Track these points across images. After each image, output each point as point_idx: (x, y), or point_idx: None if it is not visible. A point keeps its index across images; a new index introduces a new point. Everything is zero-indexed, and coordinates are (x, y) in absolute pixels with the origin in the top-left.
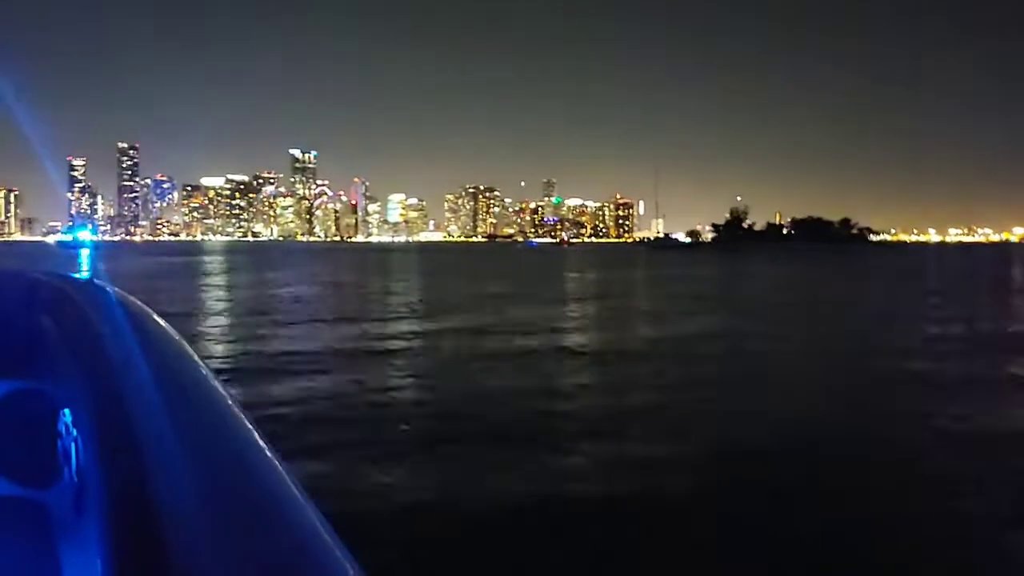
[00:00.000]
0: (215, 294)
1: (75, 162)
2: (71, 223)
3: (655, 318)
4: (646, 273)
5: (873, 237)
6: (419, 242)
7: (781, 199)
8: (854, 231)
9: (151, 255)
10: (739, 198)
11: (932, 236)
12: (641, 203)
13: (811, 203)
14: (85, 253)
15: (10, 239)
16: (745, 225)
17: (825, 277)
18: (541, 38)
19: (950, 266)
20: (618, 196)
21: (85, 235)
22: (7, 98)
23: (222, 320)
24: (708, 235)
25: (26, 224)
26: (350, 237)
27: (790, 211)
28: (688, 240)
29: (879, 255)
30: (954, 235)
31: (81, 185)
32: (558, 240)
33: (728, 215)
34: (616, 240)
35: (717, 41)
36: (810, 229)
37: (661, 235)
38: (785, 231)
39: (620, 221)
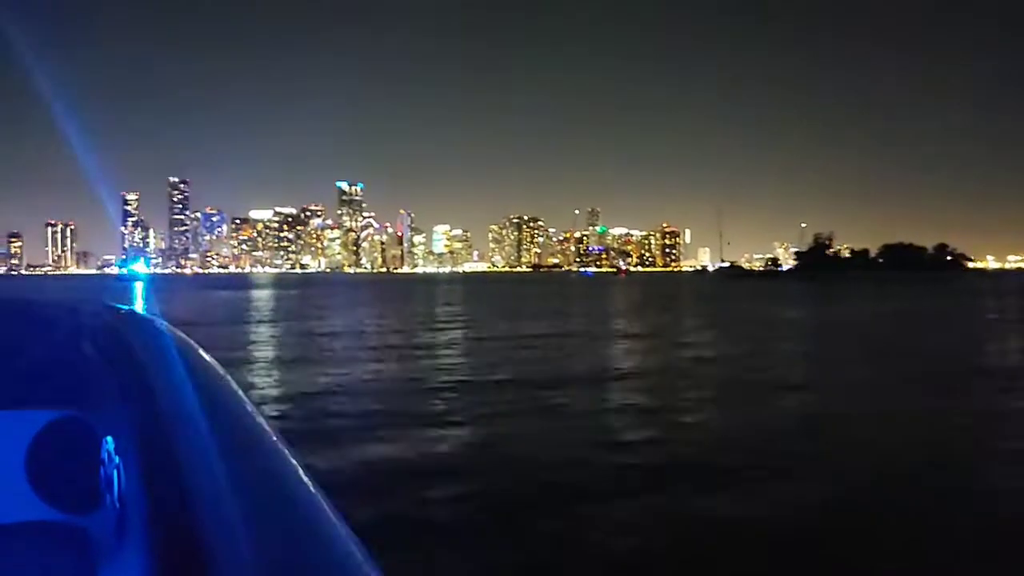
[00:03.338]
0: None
1: (128, 197)
2: (124, 256)
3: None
4: (758, 311)
5: (969, 263)
6: (464, 273)
7: (846, 225)
8: (949, 257)
9: (198, 288)
10: (803, 224)
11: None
12: (688, 231)
13: (880, 227)
14: (139, 286)
15: (67, 271)
16: (829, 252)
17: (966, 318)
18: (581, 71)
19: None
20: (665, 225)
21: (140, 267)
22: (69, 136)
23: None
24: (789, 262)
25: (81, 257)
26: (396, 268)
27: (856, 236)
28: (761, 269)
29: (983, 284)
30: None
31: (134, 219)
32: (615, 270)
33: (812, 241)
34: (666, 269)
35: (768, 63)
36: (900, 256)
37: (724, 263)
38: (871, 258)
39: (666, 250)
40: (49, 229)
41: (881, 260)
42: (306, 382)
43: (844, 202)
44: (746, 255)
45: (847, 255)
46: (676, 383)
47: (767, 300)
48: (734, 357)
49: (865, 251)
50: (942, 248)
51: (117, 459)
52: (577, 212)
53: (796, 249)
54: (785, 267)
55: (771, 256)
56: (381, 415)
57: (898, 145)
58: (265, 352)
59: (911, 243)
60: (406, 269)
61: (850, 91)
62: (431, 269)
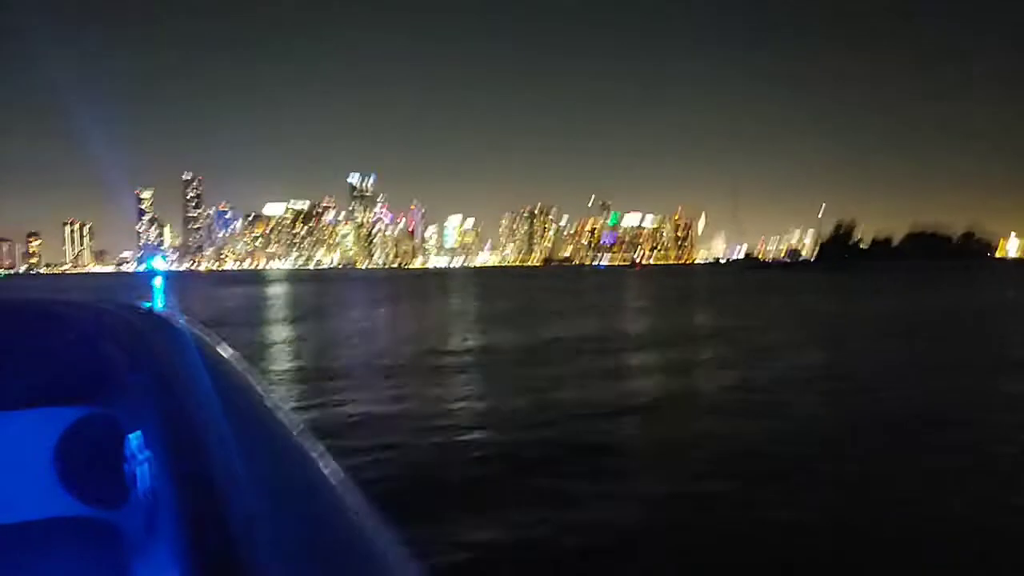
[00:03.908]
0: None
1: (143, 195)
2: (142, 254)
3: None
4: (820, 309)
5: (995, 251)
6: (476, 267)
7: (866, 206)
8: (976, 245)
9: (209, 286)
10: (822, 206)
11: None
12: (702, 220)
13: (902, 209)
14: (158, 282)
15: (85, 270)
16: (851, 240)
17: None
18: (591, 56)
19: None
20: (680, 209)
21: (159, 263)
22: (84, 135)
23: None
24: (807, 248)
25: (99, 255)
26: (408, 264)
27: (877, 218)
28: (782, 260)
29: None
30: None
31: (149, 216)
32: (629, 263)
33: (833, 227)
34: (679, 262)
35: (785, 42)
36: (926, 244)
37: (739, 254)
38: (895, 246)
39: (680, 240)
40: (67, 228)
41: (906, 249)
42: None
43: (864, 183)
44: (762, 238)
45: (870, 243)
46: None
47: (814, 295)
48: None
49: (888, 239)
50: (968, 236)
51: (145, 454)
52: (591, 203)
53: (816, 233)
54: (804, 256)
55: (789, 240)
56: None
57: (919, 124)
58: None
59: (935, 231)
60: (418, 263)
61: (869, 69)
62: (443, 263)
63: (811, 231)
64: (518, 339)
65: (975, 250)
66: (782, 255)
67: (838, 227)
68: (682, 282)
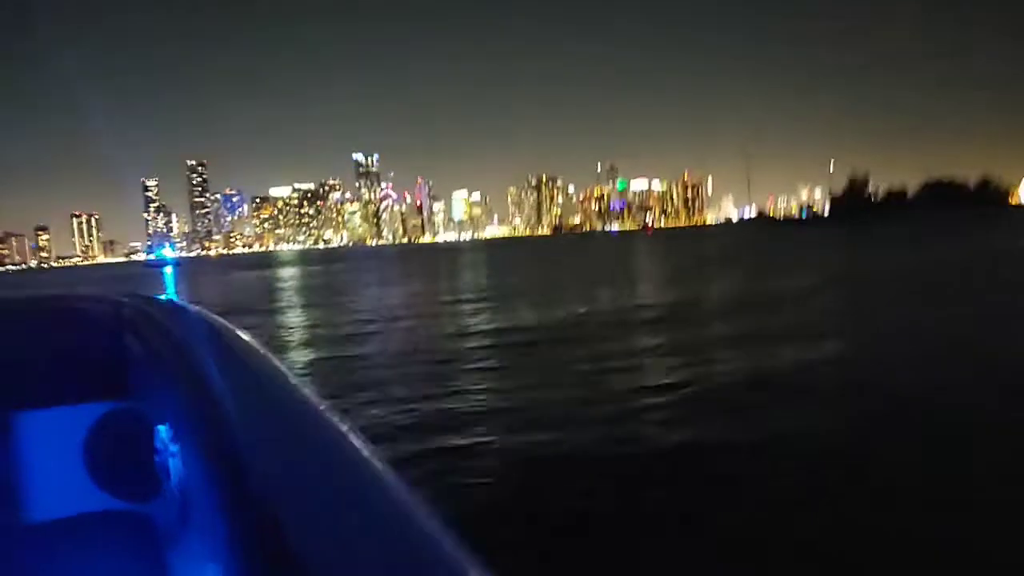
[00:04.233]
0: None
1: (148, 183)
2: (151, 243)
3: None
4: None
5: (1010, 198)
6: (484, 239)
7: (877, 162)
8: (992, 193)
9: (219, 272)
10: (832, 161)
11: None
12: (710, 178)
13: (914, 162)
14: (168, 271)
15: (95, 261)
16: (866, 193)
17: None
18: (591, 24)
19: None
20: (687, 172)
21: (167, 252)
22: (88, 126)
23: None
24: (819, 205)
25: (108, 246)
26: (417, 238)
27: (889, 172)
28: (795, 217)
29: None
30: None
31: (156, 205)
32: (641, 227)
33: (847, 182)
34: (690, 223)
35: (779, 6)
36: (942, 193)
37: (749, 213)
38: (910, 198)
39: (689, 202)
40: (75, 220)
41: (921, 199)
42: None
43: (874, 137)
44: (771, 196)
45: (885, 196)
46: None
47: (848, 250)
48: None
49: (903, 191)
50: (984, 184)
51: (174, 446)
52: (600, 169)
53: (826, 189)
54: (816, 212)
55: (797, 199)
56: None
57: (929, 74)
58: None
59: (952, 179)
60: (427, 238)
61: (876, 19)
62: (451, 237)
63: (819, 189)
64: (604, 308)
65: (991, 199)
66: (793, 212)
67: (852, 180)
68: (711, 243)
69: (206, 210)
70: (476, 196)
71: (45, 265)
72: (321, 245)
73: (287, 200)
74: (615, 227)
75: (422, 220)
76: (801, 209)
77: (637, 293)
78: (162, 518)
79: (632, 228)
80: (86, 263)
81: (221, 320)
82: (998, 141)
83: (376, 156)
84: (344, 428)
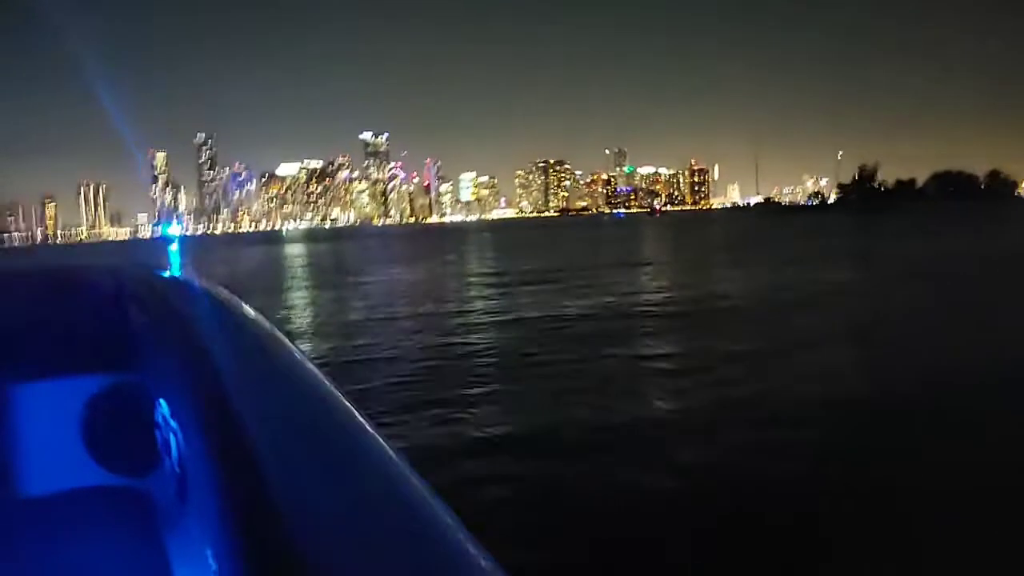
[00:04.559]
0: None
1: (156, 156)
2: (157, 219)
3: None
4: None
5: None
6: (491, 220)
7: (885, 155)
8: (1002, 184)
9: (225, 248)
10: (840, 153)
11: None
12: (716, 167)
13: (922, 155)
14: (175, 247)
15: (102, 237)
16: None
17: None
18: (603, 9)
19: None
20: (694, 161)
21: (174, 229)
22: (97, 95)
23: None
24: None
25: (115, 218)
26: (424, 218)
27: (897, 165)
28: (802, 203)
29: None
30: None
31: (164, 179)
32: (648, 211)
33: (856, 172)
34: (696, 208)
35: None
36: (951, 184)
37: (753, 199)
38: (919, 188)
39: (695, 188)
40: (82, 188)
41: (930, 190)
42: None
43: (881, 130)
44: (777, 187)
45: (893, 185)
46: None
47: (862, 237)
48: None
49: (912, 180)
50: (994, 175)
51: (174, 421)
52: (608, 152)
53: (832, 179)
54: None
55: (803, 189)
56: None
57: (938, 66)
58: None
59: (961, 170)
60: (434, 219)
61: (884, 10)
62: (458, 218)
63: (825, 180)
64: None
65: (999, 190)
66: (798, 200)
67: (861, 169)
68: (718, 228)
69: (213, 187)
70: (484, 178)
71: (50, 241)
72: (328, 224)
73: (295, 178)
74: (622, 211)
75: (430, 200)
76: (811, 196)
77: (642, 285)
78: (160, 493)
79: (640, 210)
80: (91, 240)
81: (227, 294)
82: (1001, 136)
83: (386, 135)
84: (349, 406)
